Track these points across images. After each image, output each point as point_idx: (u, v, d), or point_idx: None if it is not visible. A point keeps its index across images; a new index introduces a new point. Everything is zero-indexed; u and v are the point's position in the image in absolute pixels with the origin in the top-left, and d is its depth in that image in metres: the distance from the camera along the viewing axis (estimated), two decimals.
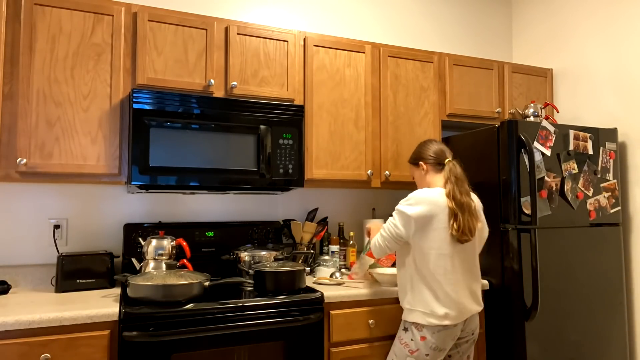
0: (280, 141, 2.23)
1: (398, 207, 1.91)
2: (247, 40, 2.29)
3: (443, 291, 1.83)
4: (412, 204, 1.87)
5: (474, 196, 1.98)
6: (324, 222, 2.60)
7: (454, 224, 1.83)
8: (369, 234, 2.14)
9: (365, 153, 2.50)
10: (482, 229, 1.98)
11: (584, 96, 2.93)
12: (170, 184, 2.02)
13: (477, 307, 1.91)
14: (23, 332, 1.58)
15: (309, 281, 2.27)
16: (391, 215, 1.94)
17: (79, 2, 2.01)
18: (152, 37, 2.12)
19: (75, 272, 2.05)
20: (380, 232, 1.96)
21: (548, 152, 2.36)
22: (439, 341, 1.82)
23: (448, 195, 1.87)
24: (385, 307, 2.11)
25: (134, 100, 1.97)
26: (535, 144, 2.33)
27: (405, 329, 1.89)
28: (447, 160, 1.99)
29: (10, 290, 2.07)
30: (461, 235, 1.83)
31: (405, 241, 1.89)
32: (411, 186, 2.64)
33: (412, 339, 1.85)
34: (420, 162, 2.05)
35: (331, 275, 2.33)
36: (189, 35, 2.19)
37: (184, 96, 2.06)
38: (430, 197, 1.87)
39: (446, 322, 1.81)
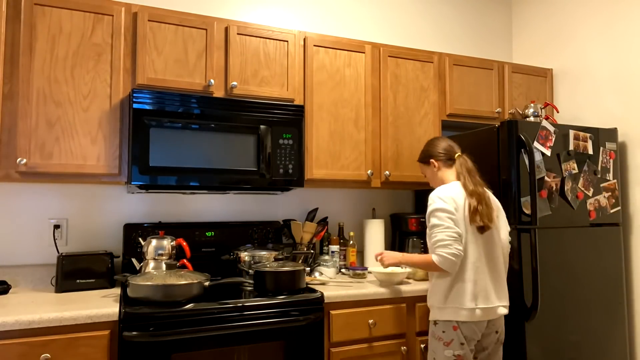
0: (280, 141, 2.23)
1: (432, 209, 1.90)
2: (247, 40, 2.29)
3: (473, 282, 1.86)
4: (442, 198, 1.90)
5: (488, 190, 2.01)
6: (324, 222, 2.60)
7: (472, 213, 1.87)
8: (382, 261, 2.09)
9: (365, 153, 2.50)
10: (502, 225, 2.01)
11: (584, 96, 2.93)
12: (170, 184, 2.02)
13: (504, 301, 1.93)
14: (23, 332, 1.59)
15: None
16: (431, 224, 1.90)
17: (79, 2, 2.01)
18: (152, 37, 2.12)
19: (75, 272, 2.05)
20: (437, 244, 1.86)
21: (548, 152, 2.35)
22: (469, 330, 1.86)
23: (467, 191, 1.92)
24: (385, 307, 2.11)
25: (134, 100, 1.97)
26: (535, 144, 2.33)
27: (435, 323, 1.91)
28: (457, 155, 2.04)
29: (10, 290, 2.07)
30: (480, 222, 1.86)
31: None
32: (411, 186, 2.65)
33: (444, 331, 1.87)
34: (432, 160, 2.08)
35: (310, 274, 2.38)
36: (189, 35, 2.19)
37: (184, 96, 2.06)
38: (450, 192, 1.92)
39: (477, 317, 1.85)
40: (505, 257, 2.01)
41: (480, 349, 1.95)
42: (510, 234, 2.26)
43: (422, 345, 2.17)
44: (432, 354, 1.91)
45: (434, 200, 1.91)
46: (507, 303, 1.96)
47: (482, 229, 1.88)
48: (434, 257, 1.85)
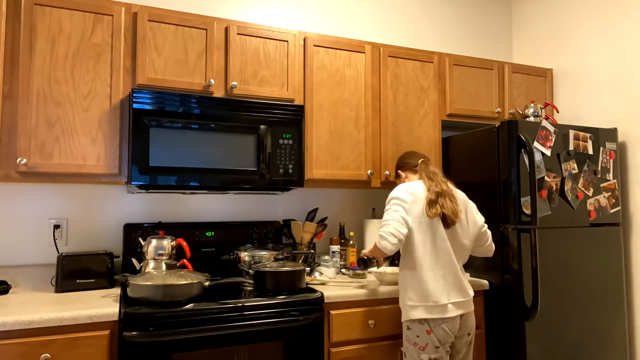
0: (280, 141, 2.23)
1: (388, 199, 1.99)
2: (247, 40, 2.29)
3: (442, 278, 1.90)
4: (399, 190, 1.98)
5: (453, 187, 2.05)
6: (323, 222, 2.60)
7: (428, 204, 1.92)
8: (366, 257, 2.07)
9: (365, 153, 2.50)
10: (470, 219, 2.02)
11: (584, 96, 2.93)
12: (170, 184, 2.02)
13: (469, 294, 1.97)
14: (23, 332, 1.58)
15: None
16: (384, 212, 1.97)
17: (79, 2, 2.01)
18: (152, 37, 2.12)
19: (75, 272, 2.05)
20: (381, 225, 1.92)
21: (548, 152, 2.36)
22: (442, 334, 1.86)
23: (427, 187, 1.98)
24: (385, 307, 2.12)
25: (134, 100, 1.97)
26: (535, 144, 2.33)
27: (409, 328, 1.91)
28: (420, 161, 2.14)
29: (10, 290, 2.07)
30: (435, 214, 1.91)
31: (407, 230, 1.91)
32: None
33: (418, 335, 1.87)
34: (399, 171, 2.23)
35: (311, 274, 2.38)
36: (189, 35, 2.19)
37: (184, 96, 2.06)
38: (410, 187, 1.99)
39: (449, 314, 1.86)
40: (484, 247, 2.08)
41: (454, 352, 1.97)
42: (511, 234, 2.27)
43: None
44: (410, 359, 1.91)
45: (392, 192, 2.00)
46: (472, 293, 1.98)
47: (446, 224, 1.92)
48: (377, 239, 1.91)
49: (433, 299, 1.87)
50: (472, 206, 2.06)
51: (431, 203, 1.93)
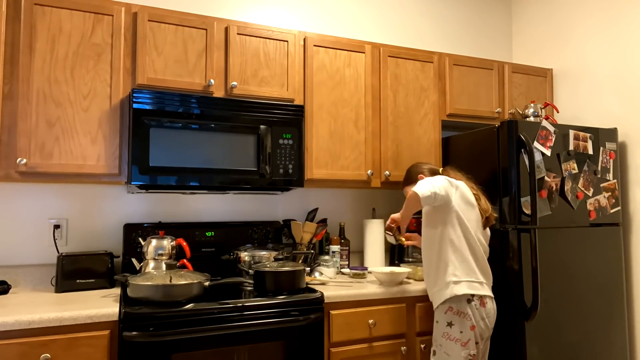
0: (280, 141, 2.23)
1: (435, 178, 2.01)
2: (247, 40, 2.29)
3: (476, 259, 1.96)
4: (443, 178, 1.99)
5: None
6: (323, 223, 2.59)
7: (484, 204, 2.02)
8: (391, 229, 2.08)
9: (365, 153, 2.50)
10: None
11: (584, 96, 2.93)
12: (170, 184, 2.02)
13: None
14: (23, 332, 1.58)
15: None
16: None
17: (79, 2, 2.01)
18: (152, 37, 2.12)
19: (75, 272, 2.05)
20: (424, 184, 1.91)
21: (548, 152, 2.35)
22: (483, 330, 1.90)
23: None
24: (385, 307, 2.11)
25: (134, 100, 1.97)
26: (535, 144, 2.33)
27: (449, 324, 1.90)
28: (441, 170, 2.17)
29: (10, 290, 2.07)
30: (486, 220, 2.01)
31: (446, 202, 1.92)
32: None
33: (461, 332, 1.87)
34: (419, 175, 2.18)
35: (310, 274, 2.39)
36: (189, 35, 2.19)
37: (184, 96, 2.06)
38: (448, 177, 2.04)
39: (489, 293, 1.94)
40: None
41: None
42: (511, 234, 2.27)
43: (422, 346, 2.16)
44: (446, 357, 1.89)
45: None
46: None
47: (487, 223, 2.01)
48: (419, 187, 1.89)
49: (477, 277, 1.92)
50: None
51: (479, 199, 2.02)
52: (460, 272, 1.91)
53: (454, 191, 1.95)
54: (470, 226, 1.95)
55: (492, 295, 1.97)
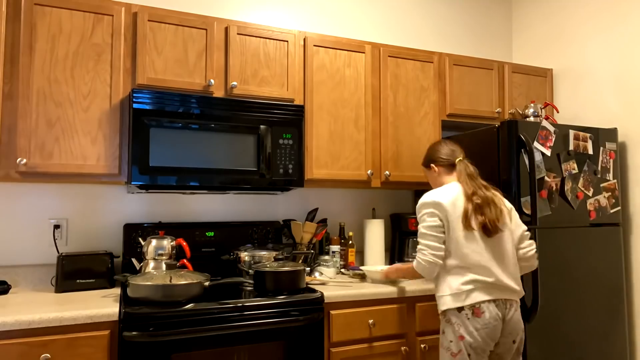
0: (280, 141, 2.23)
1: (420, 207, 1.92)
2: (247, 40, 2.29)
3: (475, 272, 1.81)
4: (432, 202, 1.88)
5: (496, 191, 1.94)
6: (323, 223, 2.59)
7: (464, 217, 1.83)
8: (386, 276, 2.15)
9: (365, 153, 2.50)
10: (514, 226, 1.94)
11: (584, 96, 2.93)
12: (170, 184, 2.02)
13: (514, 285, 1.84)
14: (23, 332, 1.58)
15: None
16: (418, 230, 1.91)
17: (79, 2, 2.01)
18: (152, 37, 2.12)
19: (75, 272, 2.05)
20: (419, 249, 1.87)
21: (548, 152, 2.35)
22: (478, 341, 1.76)
23: (465, 195, 1.88)
24: (385, 307, 2.11)
25: (134, 100, 1.97)
26: (535, 144, 2.33)
27: (443, 332, 1.85)
28: (457, 160, 2.00)
29: (10, 290, 2.07)
30: (474, 226, 1.83)
31: (445, 231, 1.85)
32: (411, 186, 2.65)
33: (451, 341, 1.80)
34: (432, 165, 2.07)
35: (310, 274, 2.39)
36: (189, 35, 2.19)
37: (184, 96, 2.06)
38: (442, 195, 1.89)
39: (484, 296, 1.77)
40: (524, 257, 1.94)
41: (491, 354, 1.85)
42: None
43: (423, 346, 2.16)
44: None
45: (425, 197, 1.91)
46: (518, 289, 1.86)
47: (488, 232, 1.83)
48: (414, 263, 1.89)
49: (470, 284, 1.79)
50: (515, 213, 1.97)
51: (465, 215, 1.83)
52: (447, 285, 1.83)
53: (443, 231, 1.85)
54: (460, 240, 1.83)
55: (501, 298, 1.79)
